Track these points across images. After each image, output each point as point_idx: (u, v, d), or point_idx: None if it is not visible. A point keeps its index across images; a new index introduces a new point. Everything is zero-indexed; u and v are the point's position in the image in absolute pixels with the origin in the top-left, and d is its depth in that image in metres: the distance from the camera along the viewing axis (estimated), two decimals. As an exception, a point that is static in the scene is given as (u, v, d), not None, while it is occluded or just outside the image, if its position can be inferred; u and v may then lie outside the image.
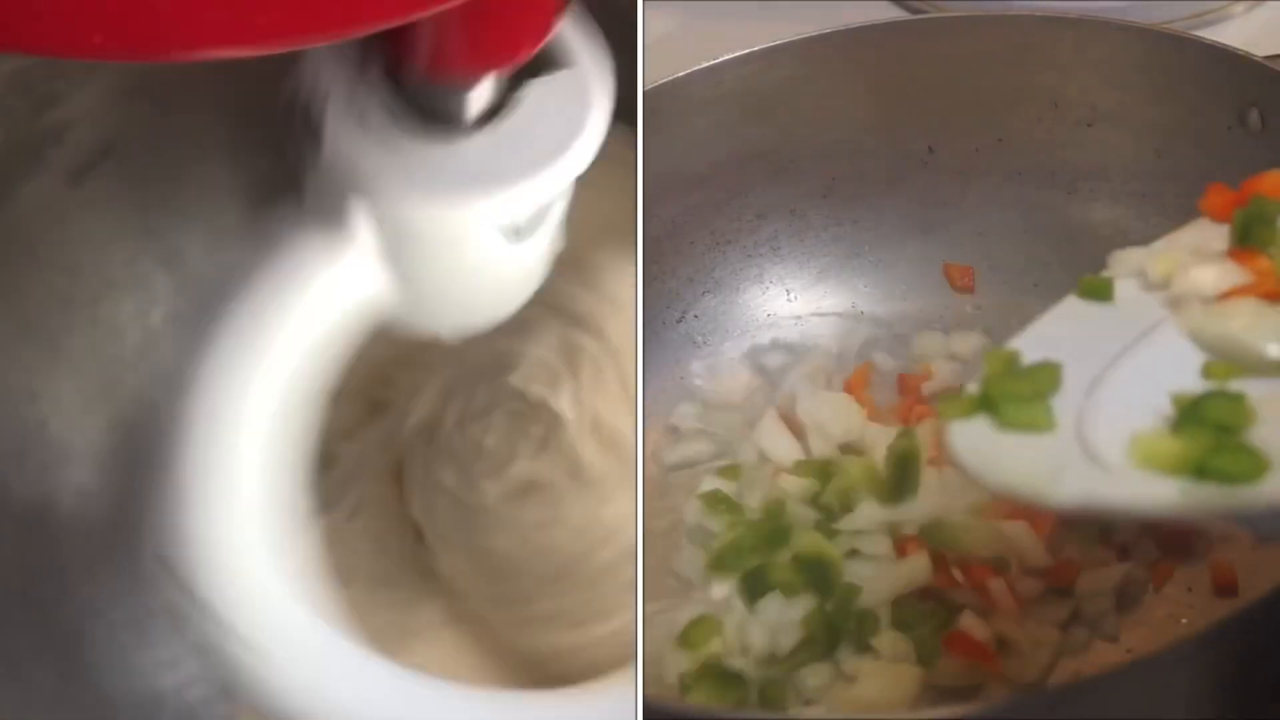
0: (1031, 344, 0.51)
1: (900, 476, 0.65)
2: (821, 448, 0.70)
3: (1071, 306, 0.54)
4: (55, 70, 0.64)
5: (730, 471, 0.70)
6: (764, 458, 0.70)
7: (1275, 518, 0.42)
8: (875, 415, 0.71)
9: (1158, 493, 0.43)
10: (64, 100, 0.65)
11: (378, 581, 0.68)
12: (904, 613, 0.62)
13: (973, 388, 0.48)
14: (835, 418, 0.70)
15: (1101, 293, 0.53)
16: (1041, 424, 0.47)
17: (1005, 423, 0.47)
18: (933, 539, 0.63)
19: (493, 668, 0.67)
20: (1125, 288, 0.53)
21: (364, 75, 0.50)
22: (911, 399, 0.71)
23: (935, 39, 0.73)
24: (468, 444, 0.66)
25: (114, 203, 0.69)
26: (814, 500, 0.67)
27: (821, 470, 0.68)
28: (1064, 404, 0.48)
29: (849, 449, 0.69)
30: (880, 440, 0.68)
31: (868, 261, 0.77)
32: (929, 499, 0.65)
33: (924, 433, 0.67)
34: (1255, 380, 0.46)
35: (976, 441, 0.47)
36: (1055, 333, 0.52)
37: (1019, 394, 0.48)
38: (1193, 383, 0.47)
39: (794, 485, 0.67)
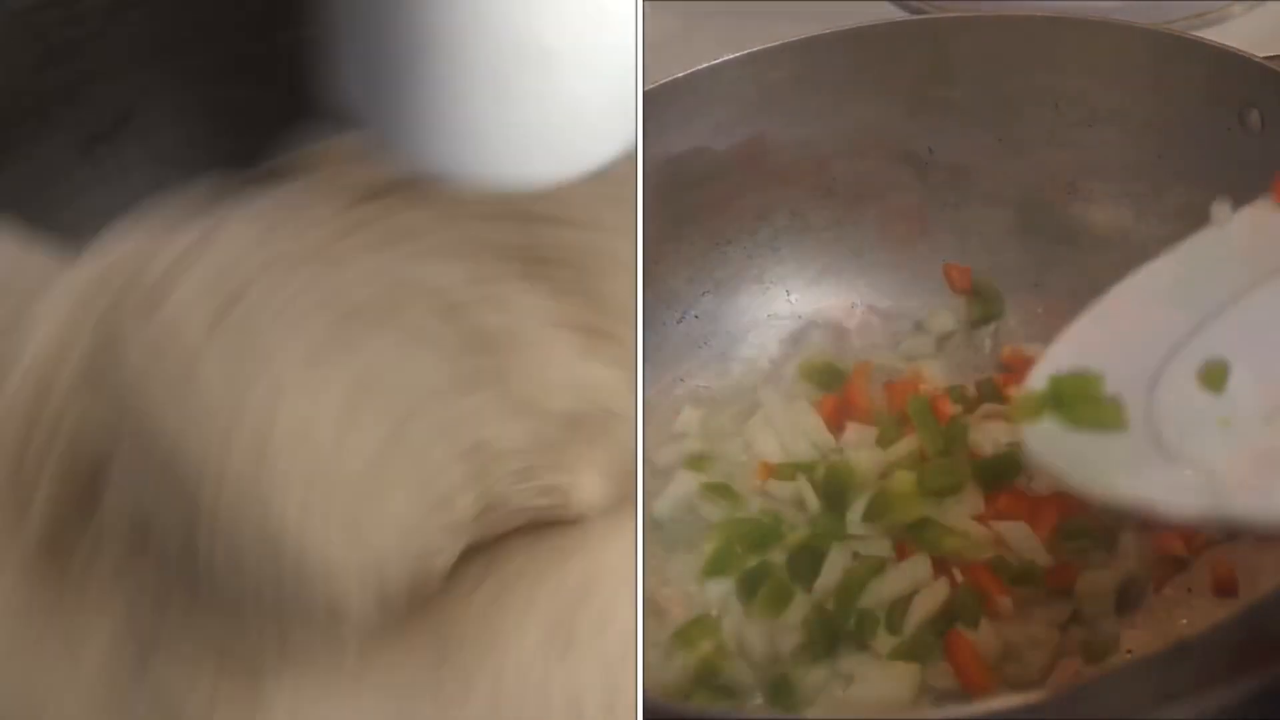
0: (1081, 339, 0.50)
1: (833, 495, 0.65)
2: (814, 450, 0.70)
3: (1122, 297, 0.53)
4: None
5: (717, 467, 0.70)
6: (759, 458, 0.70)
7: None
8: (873, 416, 0.71)
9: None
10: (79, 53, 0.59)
11: None
12: (902, 614, 0.62)
13: (1039, 386, 0.47)
14: (794, 432, 0.70)
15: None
16: (1112, 422, 0.46)
17: (1075, 421, 0.46)
18: (922, 542, 0.63)
19: None
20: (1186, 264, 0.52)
21: None
22: (903, 401, 0.71)
23: (935, 39, 0.73)
24: None
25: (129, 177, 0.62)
26: (809, 501, 0.67)
27: (815, 471, 0.68)
28: (1131, 399, 0.47)
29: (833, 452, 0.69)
30: (863, 441, 0.68)
31: (868, 261, 0.77)
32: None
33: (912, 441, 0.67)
34: None
35: (1052, 444, 0.46)
36: (1101, 329, 0.51)
37: (1087, 393, 0.47)
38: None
39: (790, 486, 0.67)
